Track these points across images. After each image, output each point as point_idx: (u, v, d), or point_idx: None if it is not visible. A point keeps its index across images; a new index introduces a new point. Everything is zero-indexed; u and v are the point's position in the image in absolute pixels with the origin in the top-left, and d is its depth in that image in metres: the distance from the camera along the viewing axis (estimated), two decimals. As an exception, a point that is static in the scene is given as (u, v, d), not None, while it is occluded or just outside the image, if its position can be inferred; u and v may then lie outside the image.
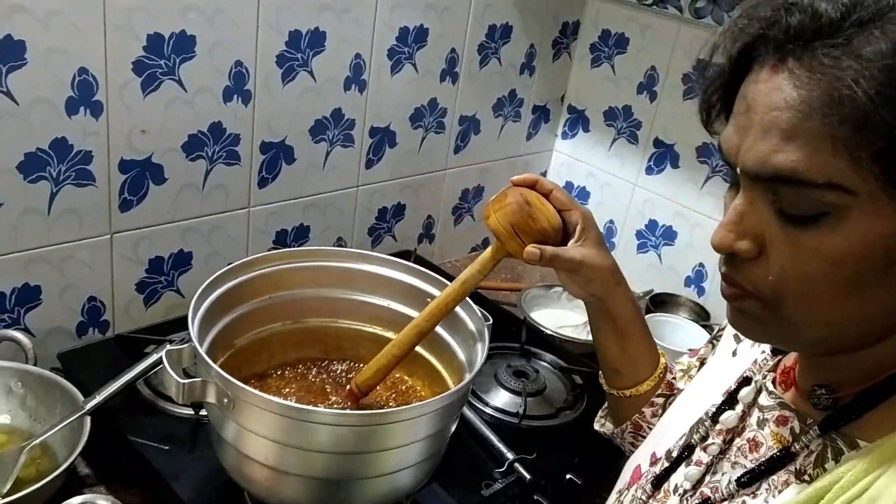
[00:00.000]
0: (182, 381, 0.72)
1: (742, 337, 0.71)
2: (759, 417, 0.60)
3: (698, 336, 1.33)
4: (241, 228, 1.23)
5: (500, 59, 1.46)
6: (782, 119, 0.46)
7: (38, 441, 0.87)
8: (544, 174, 1.71)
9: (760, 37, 0.49)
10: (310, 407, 0.81)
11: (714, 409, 0.64)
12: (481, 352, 0.83)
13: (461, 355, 0.90)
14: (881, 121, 0.43)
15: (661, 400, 0.86)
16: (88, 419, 0.89)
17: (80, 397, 0.91)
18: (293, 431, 0.72)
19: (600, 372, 0.90)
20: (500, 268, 1.58)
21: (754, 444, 0.59)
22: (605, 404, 0.94)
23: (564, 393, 1.12)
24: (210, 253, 1.20)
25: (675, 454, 0.66)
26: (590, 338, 1.35)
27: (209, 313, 0.84)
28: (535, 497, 0.94)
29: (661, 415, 0.82)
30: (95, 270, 1.08)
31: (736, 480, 0.57)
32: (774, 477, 0.55)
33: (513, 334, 1.23)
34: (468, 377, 0.79)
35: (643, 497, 0.66)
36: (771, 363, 0.63)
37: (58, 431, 0.88)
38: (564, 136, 1.66)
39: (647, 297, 1.46)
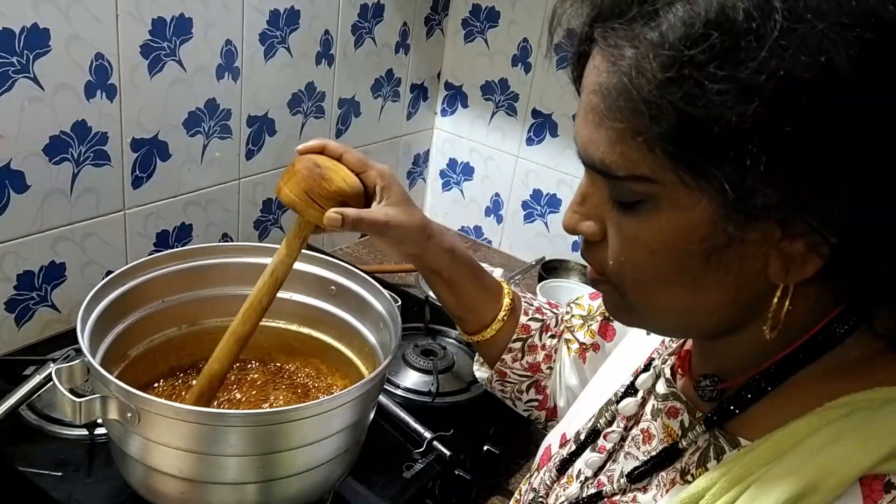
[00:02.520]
0: (78, 399, 0.67)
1: None
2: (653, 406, 0.57)
3: (591, 298, 1.38)
4: (117, 233, 1.15)
5: (374, 39, 1.44)
6: (595, 103, 0.44)
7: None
8: (427, 153, 1.71)
9: (589, 14, 0.46)
10: (223, 410, 0.78)
11: (621, 392, 0.62)
12: (394, 334, 0.82)
13: (372, 340, 0.89)
14: (666, 109, 0.40)
15: (517, 345, 0.84)
16: (-31, 454, 0.81)
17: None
18: (207, 438, 0.69)
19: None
20: (332, 230, 1.57)
21: (647, 436, 0.56)
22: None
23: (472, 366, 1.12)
24: (85, 262, 1.12)
25: (582, 437, 0.63)
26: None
27: (98, 325, 0.78)
28: (457, 472, 0.94)
29: (522, 359, 0.84)
30: (-44, 292, 0.99)
31: (627, 474, 0.55)
32: (664, 474, 0.53)
33: (415, 314, 1.22)
34: (384, 363, 0.77)
35: (548, 481, 0.63)
36: (674, 345, 0.61)
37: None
38: (444, 112, 1.66)
39: (538, 265, 1.49)
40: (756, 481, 0.45)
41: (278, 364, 0.96)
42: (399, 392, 1.05)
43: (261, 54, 1.24)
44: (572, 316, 0.85)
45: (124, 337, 0.83)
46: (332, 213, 0.73)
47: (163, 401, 0.66)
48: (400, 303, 0.87)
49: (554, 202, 1.55)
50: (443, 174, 1.70)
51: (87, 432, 0.90)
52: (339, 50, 1.38)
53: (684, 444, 0.52)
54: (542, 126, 1.52)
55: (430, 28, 1.55)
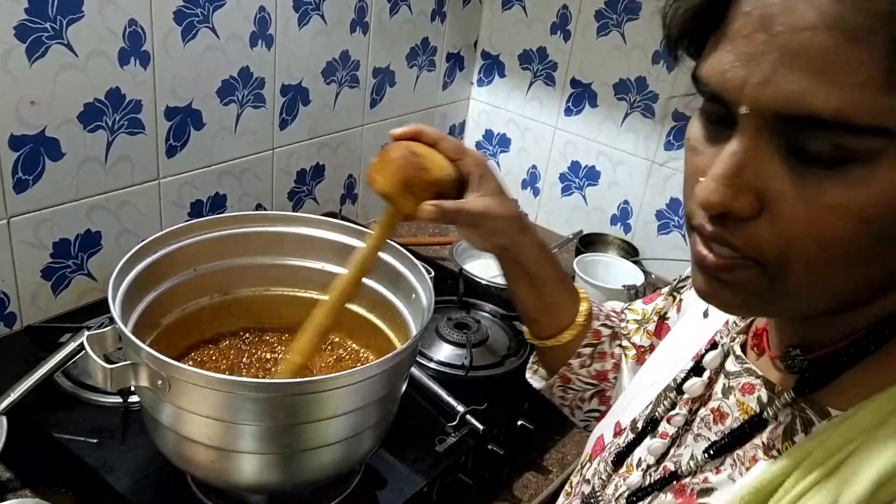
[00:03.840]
0: (108, 366, 0.67)
1: None
2: (724, 385, 0.54)
3: (629, 272, 1.35)
4: (152, 202, 1.15)
5: (410, 7, 1.41)
6: (816, 42, 0.37)
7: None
8: (463, 124, 1.68)
9: None
10: (256, 380, 0.77)
11: (682, 377, 0.58)
12: (427, 306, 0.80)
13: (405, 312, 0.87)
14: None
15: (588, 350, 0.79)
16: (4, 419, 0.82)
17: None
18: (237, 407, 0.68)
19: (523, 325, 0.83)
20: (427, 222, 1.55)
21: (719, 415, 0.53)
22: (534, 354, 0.88)
23: (507, 340, 1.10)
24: (120, 231, 1.12)
25: (640, 425, 0.60)
26: (525, 284, 1.35)
27: (130, 292, 0.77)
28: (490, 446, 0.93)
29: (590, 366, 0.79)
30: (-6, 259, 0.99)
31: (705, 450, 0.51)
32: (741, 451, 0.50)
33: (449, 287, 1.21)
34: (415, 335, 0.76)
35: (606, 471, 0.60)
36: (742, 325, 0.57)
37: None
38: (480, 83, 1.63)
39: (575, 239, 1.46)
40: (857, 448, 0.42)
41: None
42: (432, 365, 1.04)
43: (294, 21, 1.22)
44: (627, 322, 0.81)
45: (157, 305, 0.83)
46: (430, 205, 0.70)
47: (193, 369, 0.66)
48: (433, 274, 0.85)
49: (592, 174, 1.52)
50: (479, 146, 1.67)
51: (121, 400, 0.90)
52: (373, 17, 1.35)
53: (767, 415, 0.49)
54: (582, 96, 1.48)
55: (467, -5, 1.52)
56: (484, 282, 1.27)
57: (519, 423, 0.97)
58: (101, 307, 1.06)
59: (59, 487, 0.84)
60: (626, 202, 1.49)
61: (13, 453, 0.85)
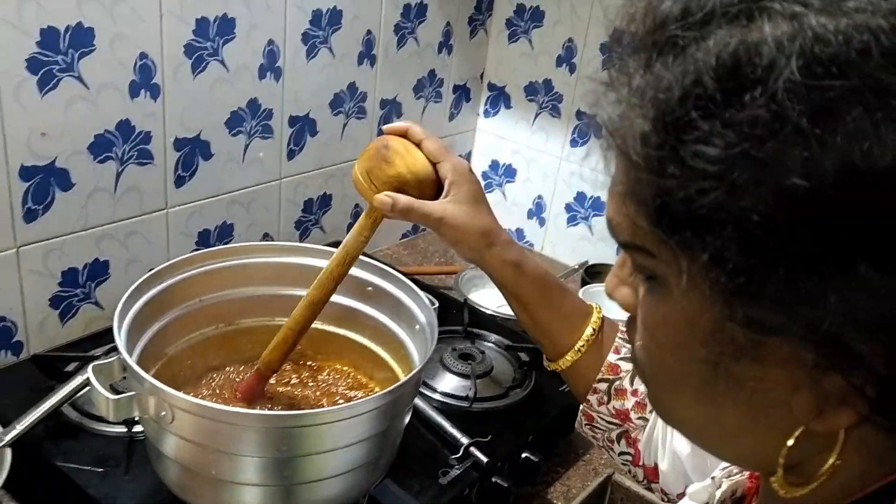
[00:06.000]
0: (112, 396, 0.67)
1: None
2: None
3: (635, 303, 1.34)
4: (159, 232, 1.16)
5: (417, 39, 1.43)
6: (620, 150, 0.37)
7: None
8: (469, 154, 1.69)
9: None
10: (258, 411, 0.77)
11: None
12: (430, 338, 0.80)
13: (408, 343, 0.87)
14: (645, 170, 0.34)
15: (603, 386, 0.74)
16: (9, 451, 0.82)
17: (-1, 428, 0.84)
18: (239, 438, 0.68)
19: None
20: (433, 252, 1.56)
21: None
22: None
23: (512, 372, 1.10)
24: (129, 260, 1.13)
25: None
26: (531, 314, 1.34)
27: (136, 322, 0.78)
28: (494, 479, 0.92)
29: (608, 403, 0.74)
30: (1, 288, 1.00)
31: None
32: None
33: (454, 317, 1.21)
34: (417, 368, 0.76)
35: None
36: None
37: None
38: (486, 114, 1.65)
39: (581, 269, 1.46)
40: None
41: (311, 364, 0.95)
42: (436, 396, 1.03)
43: (303, 54, 1.24)
44: None
45: (162, 335, 0.83)
46: (383, 195, 0.71)
47: (196, 400, 0.66)
48: (437, 305, 0.85)
49: (598, 205, 1.52)
50: (485, 175, 1.68)
51: (125, 430, 0.90)
52: (381, 50, 1.37)
53: None
54: (588, 127, 1.49)
55: (473, 28, 1.54)
56: (489, 311, 1.27)
57: (523, 455, 0.96)
58: (108, 336, 1.05)
59: (62, 517, 0.85)
60: (540, 197, 1.52)
61: (18, 483, 0.85)
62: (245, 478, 0.71)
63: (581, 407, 0.77)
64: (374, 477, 0.79)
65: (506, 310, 1.32)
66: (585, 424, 0.78)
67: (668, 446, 0.72)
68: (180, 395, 0.66)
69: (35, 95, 0.94)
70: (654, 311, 0.38)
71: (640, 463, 0.75)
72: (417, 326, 0.85)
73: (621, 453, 0.77)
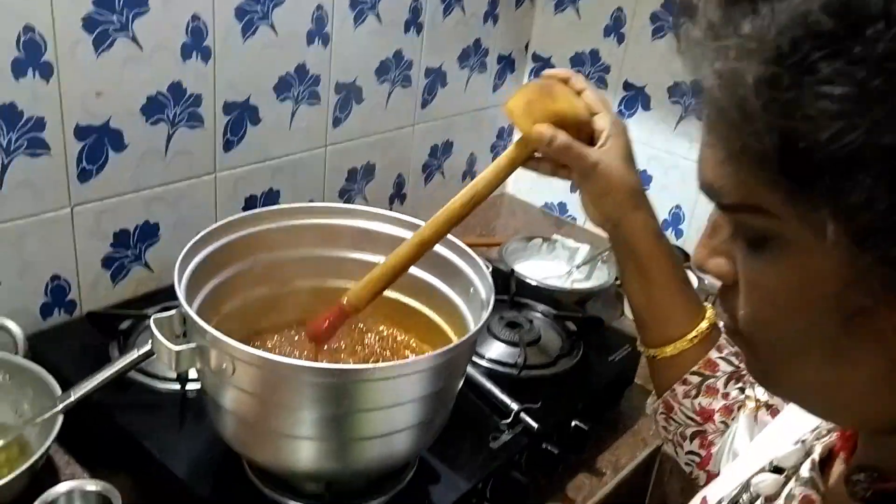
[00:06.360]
0: (175, 348, 0.67)
1: None
2: (790, 491, 0.47)
3: (682, 277, 1.32)
4: (208, 196, 1.16)
5: (463, 8, 1.41)
6: (708, 111, 0.36)
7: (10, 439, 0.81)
8: (511, 127, 1.67)
9: None
10: (320, 364, 0.76)
11: (768, 466, 0.52)
12: (486, 298, 0.79)
13: (462, 307, 0.86)
14: (764, 121, 0.32)
15: (696, 379, 0.71)
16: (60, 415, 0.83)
17: (58, 390, 0.84)
18: (299, 392, 0.68)
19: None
20: (475, 225, 1.55)
21: None
22: None
23: (560, 341, 1.09)
24: (178, 223, 1.13)
25: None
26: (576, 286, 1.34)
27: (194, 278, 0.78)
28: (544, 446, 0.91)
29: (695, 398, 0.71)
30: (56, 247, 1.01)
31: None
32: None
33: (500, 287, 1.19)
34: (477, 326, 0.75)
35: None
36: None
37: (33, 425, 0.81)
38: (530, 86, 1.62)
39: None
40: None
41: (361, 326, 0.95)
42: (484, 363, 1.03)
43: (350, 20, 1.23)
44: None
45: (217, 293, 0.83)
46: (543, 127, 0.69)
47: (259, 352, 0.66)
48: (492, 268, 0.84)
49: (644, 178, 1.49)
50: (527, 149, 1.66)
51: (179, 387, 0.91)
52: (427, 18, 1.35)
53: None
54: (635, 99, 1.47)
55: (519, -3, 1.52)
56: (535, 283, 1.26)
57: (573, 423, 0.96)
58: (157, 297, 1.07)
59: (118, 471, 0.85)
60: (677, 207, 1.47)
61: (71, 438, 0.86)
62: (302, 432, 0.71)
63: (661, 396, 0.75)
64: (427, 437, 0.79)
65: (551, 281, 1.31)
66: (661, 413, 0.75)
67: (732, 447, 0.69)
68: (243, 346, 0.66)
69: (91, 55, 0.95)
70: (769, 275, 0.36)
71: (707, 467, 0.72)
72: (472, 290, 0.84)
73: (689, 452, 0.74)
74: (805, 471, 0.47)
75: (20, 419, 0.87)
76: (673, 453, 0.77)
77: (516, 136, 1.66)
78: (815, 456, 0.46)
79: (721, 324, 0.42)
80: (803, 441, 0.49)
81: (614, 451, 1.01)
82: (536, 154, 0.75)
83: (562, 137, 0.69)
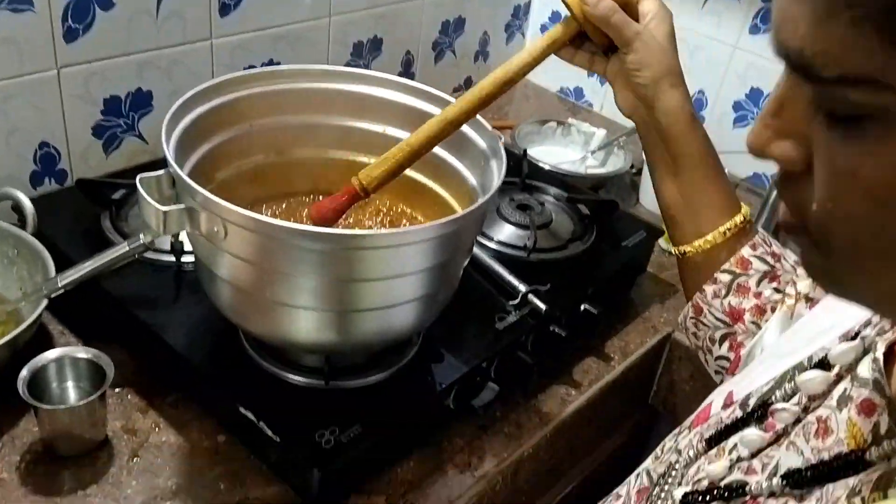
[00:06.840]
0: (163, 208, 0.63)
1: None
2: (845, 391, 0.42)
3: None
4: (204, 63, 1.09)
5: None
6: None
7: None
8: (528, 4, 1.57)
9: None
10: (317, 228, 0.71)
11: (809, 362, 0.48)
12: (498, 171, 0.74)
13: (472, 181, 0.81)
14: None
15: (726, 278, 0.67)
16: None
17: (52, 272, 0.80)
18: (295, 258, 0.64)
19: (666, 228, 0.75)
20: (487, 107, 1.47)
21: (824, 429, 0.42)
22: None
23: (572, 224, 1.05)
24: (172, 92, 1.07)
25: (751, 403, 0.49)
26: (591, 171, 1.28)
27: (184, 140, 0.73)
28: (552, 328, 0.88)
29: (725, 297, 0.67)
30: (43, 111, 0.95)
31: (783, 475, 0.41)
32: (832, 486, 0.39)
33: (511, 170, 1.13)
34: (486, 196, 0.70)
35: (697, 448, 0.51)
36: None
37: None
38: (550, -41, 1.52)
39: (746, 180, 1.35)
40: None
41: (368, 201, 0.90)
42: (492, 245, 0.99)
43: None
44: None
45: (210, 158, 0.78)
46: None
47: (251, 213, 0.61)
48: (503, 139, 0.79)
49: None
50: (543, 28, 1.57)
51: (174, 259, 0.88)
52: None
53: (874, 455, 0.38)
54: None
55: None
56: (548, 167, 1.20)
57: (582, 307, 0.93)
58: (152, 168, 1.01)
59: (112, 343, 0.83)
60: (700, 92, 1.39)
61: (67, 311, 0.84)
62: (299, 301, 0.67)
63: (692, 300, 0.71)
64: (430, 313, 0.75)
65: (565, 166, 1.25)
66: (691, 318, 0.71)
67: (762, 342, 0.65)
68: (234, 207, 0.61)
69: None
70: (867, 162, 0.30)
71: (736, 372, 0.67)
72: (482, 162, 0.79)
73: (719, 357, 0.70)
74: (865, 370, 0.42)
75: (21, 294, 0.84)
76: (703, 362, 0.73)
77: (533, 14, 1.57)
78: (879, 354, 0.41)
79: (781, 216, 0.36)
80: (863, 337, 0.44)
81: (623, 337, 0.98)
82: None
83: (607, 2, 0.67)
